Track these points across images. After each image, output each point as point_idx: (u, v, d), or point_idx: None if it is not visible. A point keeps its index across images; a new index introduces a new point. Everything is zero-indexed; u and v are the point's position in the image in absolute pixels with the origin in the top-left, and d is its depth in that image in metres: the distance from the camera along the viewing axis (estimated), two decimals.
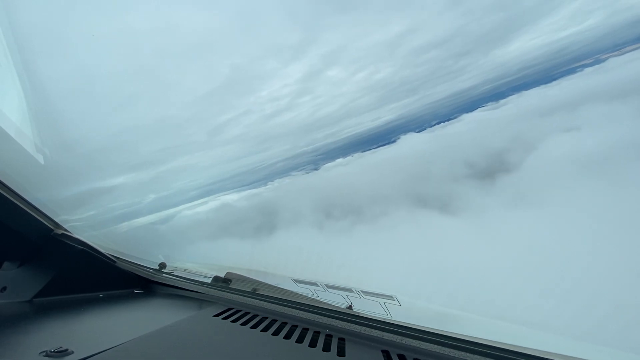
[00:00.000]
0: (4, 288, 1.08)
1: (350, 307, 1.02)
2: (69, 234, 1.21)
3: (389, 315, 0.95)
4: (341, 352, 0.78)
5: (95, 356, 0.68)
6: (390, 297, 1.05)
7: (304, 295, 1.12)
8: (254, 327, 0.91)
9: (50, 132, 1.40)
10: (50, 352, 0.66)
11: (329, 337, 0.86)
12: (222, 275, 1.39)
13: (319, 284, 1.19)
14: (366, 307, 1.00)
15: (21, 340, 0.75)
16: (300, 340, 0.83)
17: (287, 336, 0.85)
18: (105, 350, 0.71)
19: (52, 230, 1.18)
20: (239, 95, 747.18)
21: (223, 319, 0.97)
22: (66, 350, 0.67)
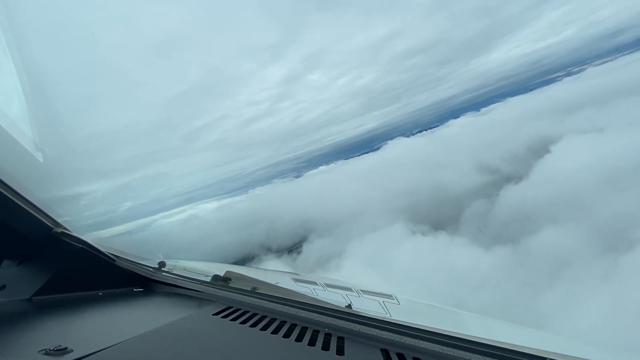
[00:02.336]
0: (4, 286, 1.08)
1: (349, 306, 1.02)
2: (68, 232, 1.20)
3: (388, 314, 0.95)
4: (340, 351, 0.77)
5: (94, 354, 0.68)
6: (390, 296, 1.05)
7: (303, 294, 1.12)
8: (253, 325, 0.90)
9: (50, 130, 1.39)
10: (50, 350, 0.66)
11: (328, 336, 0.85)
12: (222, 273, 1.39)
13: (318, 282, 1.19)
14: (365, 306, 1.00)
15: (20, 339, 0.75)
16: (299, 339, 0.83)
17: (286, 335, 0.85)
18: (104, 348, 0.71)
19: (52, 228, 1.18)
20: (214, 98, 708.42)
21: (222, 317, 0.97)
22: (65, 348, 0.67)
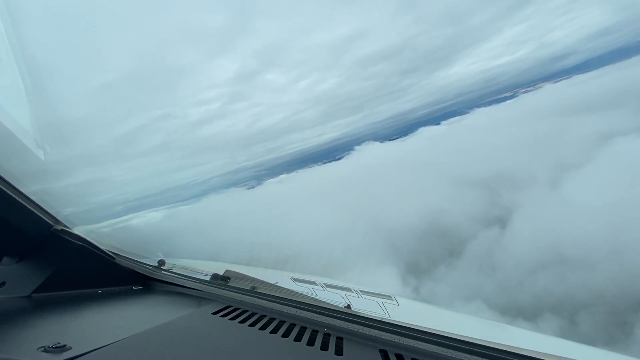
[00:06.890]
0: (3, 283, 1.08)
1: (348, 307, 1.02)
2: (68, 229, 1.21)
3: (387, 315, 0.95)
4: (339, 351, 0.78)
5: (93, 352, 0.68)
6: (389, 297, 1.06)
7: (303, 294, 1.12)
8: (252, 325, 0.91)
9: (51, 128, 1.39)
10: (49, 347, 0.66)
11: (327, 336, 0.86)
12: (221, 273, 1.39)
13: (317, 282, 1.19)
14: (364, 307, 1.00)
15: (19, 336, 0.75)
16: (298, 338, 0.83)
17: (285, 334, 0.85)
18: (104, 346, 0.71)
19: (52, 226, 1.18)
20: (151, 92, 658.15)
21: (221, 316, 0.98)
22: (64, 346, 0.67)
